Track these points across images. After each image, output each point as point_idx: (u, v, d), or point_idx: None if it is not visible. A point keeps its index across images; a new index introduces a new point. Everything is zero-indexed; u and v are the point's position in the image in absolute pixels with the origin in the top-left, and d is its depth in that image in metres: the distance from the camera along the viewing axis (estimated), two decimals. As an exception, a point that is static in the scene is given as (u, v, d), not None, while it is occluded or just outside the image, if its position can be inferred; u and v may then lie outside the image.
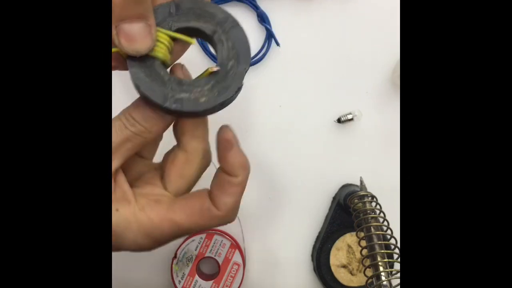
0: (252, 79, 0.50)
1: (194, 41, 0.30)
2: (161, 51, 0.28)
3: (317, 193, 0.50)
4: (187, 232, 0.30)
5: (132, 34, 0.26)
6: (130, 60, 0.28)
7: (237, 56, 0.29)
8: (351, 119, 0.49)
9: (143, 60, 0.28)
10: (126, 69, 0.29)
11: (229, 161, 0.29)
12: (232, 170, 0.29)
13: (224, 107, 0.30)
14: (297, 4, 0.49)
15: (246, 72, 0.30)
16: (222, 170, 0.30)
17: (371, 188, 0.45)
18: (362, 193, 0.43)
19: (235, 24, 0.30)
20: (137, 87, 0.28)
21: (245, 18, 0.49)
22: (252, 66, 0.49)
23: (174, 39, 0.30)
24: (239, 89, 0.30)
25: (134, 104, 0.29)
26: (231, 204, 0.29)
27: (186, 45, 0.31)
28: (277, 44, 0.49)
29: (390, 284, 0.37)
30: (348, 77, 0.50)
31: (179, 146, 0.30)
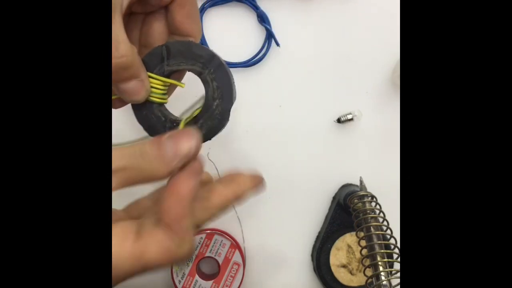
0: (252, 79, 0.50)
1: (183, 85, 0.34)
2: (156, 97, 0.32)
3: (317, 193, 0.50)
4: (154, 269, 0.28)
5: (128, 90, 0.31)
6: (134, 105, 0.33)
7: (221, 95, 0.32)
8: (351, 119, 0.49)
9: (144, 104, 0.32)
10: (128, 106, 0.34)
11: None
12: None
13: (212, 137, 0.33)
14: (297, 4, 0.49)
15: (230, 110, 0.32)
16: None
17: (371, 188, 0.45)
18: (362, 193, 0.43)
19: (220, 64, 0.32)
20: (142, 127, 0.33)
21: (245, 18, 0.49)
22: (252, 66, 0.49)
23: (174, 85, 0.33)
24: (224, 125, 0.33)
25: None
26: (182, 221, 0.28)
27: (175, 86, 0.35)
28: (277, 44, 0.49)
29: (390, 284, 0.37)
30: (348, 77, 0.50)
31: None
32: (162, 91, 0.33)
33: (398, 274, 0.37)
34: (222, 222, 0.50)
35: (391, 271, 0.38)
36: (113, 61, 0.28)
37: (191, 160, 0.28)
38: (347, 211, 0.45)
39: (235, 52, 0.49)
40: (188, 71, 0.33)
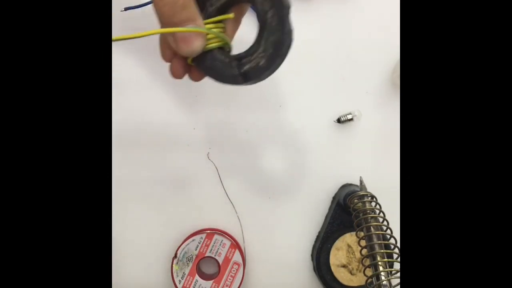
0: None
1: (232, 15, 0.32)
2: (213, 41, 0.30)
3: (317, 193, 0.50)
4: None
5: (184, 36, 0.29)
6: (196, 61, 0.31)
7: (272, 3, 0.30)
8: (351, 119, 0.49)
9: (205, 55, 0.31)
10: (196, 72, 0.33)
11: None
12: None
13: (287, 54, 0.31)
14: (297, 4, 0.49)
15: (288, 12, 0.30)
16: None
17: (371, 188, 0.45)
18: (362, 193, 0.43)
19: None
20: (212, 78, 0.31)
21: (245, 18, 0.49)
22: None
23: (223, 20, 0.31)
24: (288, 32, 0.30)
25: None
26: None
27: (238, 18, 0.33)
28: (277, 44, 0.49)
29: (390, 283, 0.37)
30: (348, 77, 0.50)
31: None
32: (215, 34, 0.31)
33: (398, 274, 0.37)
34: (222, 222, 0.50)
35: (391, 271, 0.38)
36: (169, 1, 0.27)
37: None
38: (347, 211, 0.45)
39: (235, 52, 0.49)
40: None
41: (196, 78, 0.34)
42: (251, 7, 0.31)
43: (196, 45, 0.30)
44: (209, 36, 0.30)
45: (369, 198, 0.43)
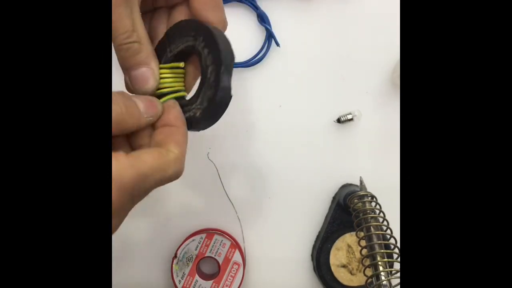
0: (252, 79, 0.50)
1: (182, 64, 0.33)
2: (168, 86, 0.33)
3: (317, 193, 0.50)
4: (151, 181, 0.29)
5: (138, 78, 0.32)
6: None
7: (213, 60, 0.30)
8: (351, 119, 0.49)
9: (158, 98, 0.32)
10: None
11: (168, 116, 0.32)
12: (173, 121, 0.32)
13: (222, 111, 0.31)
14: (297, 4, 0.49)
15: (226, 71, 0.30)
16: (163, 126, 0.32)
17: (371, 188, 0.45)
18: (362, 193, 0.43)
19: (207, 32, 0.31)
20: None
21: (245, 19, 0.49)
22: (252, 66, 0.49)
23: (177, 67, 0.33)
24: (223, 90, 0.30)
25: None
26: (181, 145, 0.31)
27: (196, 69, 0.34)
28: (277, 44, 0.49)
29: (390, 283, 0.37)
30: (348, 77, 0.50)
31: (163, 126, 0.32)
32: (173, 80, 0.33)
33: (398, 274, 0.37)
34: (222, 222, 0.50)
35: (391, 271, 0.38)
36: (122, 43, 0.30)
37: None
38: (347, 211, 0.45)
39: (235, 52, 0.49)
40: (184, 49, 0.32)
41: None
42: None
43: (147, 87, 0.32)
44: (162, 81, 0.32)
45: (369, 198, 0.43)
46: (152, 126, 0.32)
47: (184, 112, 0.32)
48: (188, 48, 0.32)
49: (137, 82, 0.32)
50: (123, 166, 0.27)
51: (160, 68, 0.33)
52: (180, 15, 0.34)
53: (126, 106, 0.29)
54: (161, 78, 0.33)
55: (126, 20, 0.30)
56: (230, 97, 0.31)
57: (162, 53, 0.33)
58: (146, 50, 0.32)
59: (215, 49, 0.30)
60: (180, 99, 0.33)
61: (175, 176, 0.30)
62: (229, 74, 0.31)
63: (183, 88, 0.34)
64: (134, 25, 0.30)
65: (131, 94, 0.32)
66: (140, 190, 0.28)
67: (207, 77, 0.31)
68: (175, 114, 0.32)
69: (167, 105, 0.33)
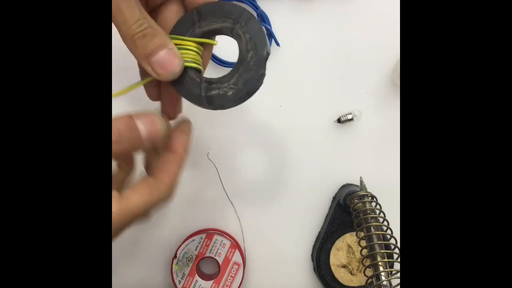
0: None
1: (215, 42, 0.34)
2: (191, 60, 0.32)
3: (317, 193, 0.50)
4: (138, 215, 0.31)
5: (162, 61, 0.31)
6: (172, 82, 0.32)
7: (255, 46, 0.32)
8: (351, 119, 0.49)
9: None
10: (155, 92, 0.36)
11: (175, 141, 0.33)
12: (177, 147, 0.33)
13: (253, 94, 0.33)
14: (297, 4, 0.49)
15: (266, 58, 0.32)
16: (166, 149, 0.33)
17: (371, 188, 0.45)
18: (362, 193, 0.43)
19: (250, 17, 0.32)
20: (180, 93, 0.33)
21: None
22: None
23: (201, 44, 0.33)
24: (261, 75, 0.32)
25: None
26: (173, 174, 0.32)
27: (211, 47, 0.35)
28: (277, 44, 0.49)
29: (390, 284, 0.37)
30: (348, 77, 0.50)
31: (166, 149, 0.33)
32: (195, 54, 0.33)
33: (398, 274, 0.37)
34: (222, 222, 0.50)
35: (391, 271, 0.38)
36: (137, 32, 0.30)
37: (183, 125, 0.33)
38: (347, 211, 0.45)
39: (235, 52, 0.49)
40: (220, 29, 0.33)
41: (154, 97, 0.36)
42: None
43: (175, 67, 0.31)
44: (187, 55, 0.32)
45: (369, 198, 0.43)
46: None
47: (212, 89, 0.32)
48: (224, 29, 0.33)
49: (163, 66, 0.31)
50: (114, 213, 0.28)
51: (186, 40, 0.32)
52: (172, 12, 0.34)
53: (123, 132, 0.29)
54: (185, 49, 0.32)
55: (135, 9, 0.30)
56: (261, 84, 0.33)
57: (187, 27, 0.33)
58: (162, 33, 0.31)
59: (261, 38, 0.32)
60: (199, 73, 0.33)
61: (163, 204, 0.32)
62: (266, 63, 0.32)
63: (201, 64, 0.34)
64: (142, 12, 0.30)
65: (134, 115, 0.31)
66: (127, 225, 0.30)
67: (246, 60, 0.32)
68: (183, 142, 0.33)
69: (180, 130, 0.33)
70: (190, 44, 0.32)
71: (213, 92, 0.32)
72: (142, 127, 0.30)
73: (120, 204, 0.29)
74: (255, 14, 0.49)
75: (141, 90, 0.36)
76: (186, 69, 0.32)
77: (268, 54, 0.32)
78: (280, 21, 0.49)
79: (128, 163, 0.36)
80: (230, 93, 0.32)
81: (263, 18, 0.48)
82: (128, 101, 0.51)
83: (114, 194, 0.29)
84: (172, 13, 0.34)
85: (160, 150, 0.34)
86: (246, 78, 0.32)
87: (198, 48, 0.33)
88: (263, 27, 0.33)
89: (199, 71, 0.33)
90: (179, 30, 0.33)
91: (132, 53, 0.31)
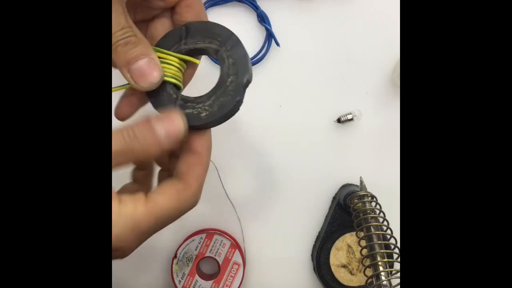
0: (252, 79, 0.50)
1: (198, 61, 0.34)
2: (171, 75, 0.32)
3: (317, 193, 0.50)
4: (167, 221, 0.31)
5: (141, 70, 0.30)
6: (148, 93, 0.32)
7: (236, 71, 0.32)
8: (351, 119, 0.49)
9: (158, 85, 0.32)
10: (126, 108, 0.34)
11: (196, 142, 0.32)
12: (199, 149, 0.32)
13: (227, 119, 0.32)
14: (297, 4, 0.49)
15: (246, 86, 0.32)
16: (189, 151, 0.32)
17: (371, 188, 0.45)
18: (362, 193, 0.43)
19: (237, 42, 0.32)
20: (153, 105, 0.32)
21: (245, 18, 0.49)
22: (252, 66, 0.49)
23: (184, 61, 0.33)
24: (238, 102, 0.32)
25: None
26: (200, 178, 0.32)
27: (195, 66, 0.35)
28: (277, 44, 0.49)
29: (390, 284, 0.37)
30: (348, 77, 0.50)
31: (189, 151, 0.32)
32: (177, 70, 0.32)
33: (398, 274, 0.37)
34: (222, 222, 0.50)
35: (391, 271, 0.38)
36: (119, 39, 0.29)
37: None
38: (347, 211, 0.45)
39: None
40: (205, 49, 0.33)
41: (125, 114, 0.34)
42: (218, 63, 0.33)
43: (153, 78, 0.31)
44: (169, 70, 0.32)
45: (369, 198, 0.43)
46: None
47: (187, 107, 0.32)
48: (210, 50, 0.33)
49: (142, 74, 0.30)
50: (141, 214, 0.29)
51: (170, 55, 0.32)
52: (161, 26, 0.34)
53: (141, 137, 0.29)
54: (167, 63, 0.32)
55: (121, 17, 0.30)
56: (238, 110, 0.32)
57: (173, 42, 0.33)
58: (145, 42, 0.31)
59: (243, 65, 0.32)
60: (177, 89, 0.33)
61: (191, 209, 0.32)
62: (245, 91, 0.32)
63: (181, 82, 0.34)
64: (128, 21, 0.30)
65: (153, 119, 0.30)
66: (156, 230, 0.31)
67: (225, 84, 0.32)
68: (204, 142, 0.32)
69: (201, 132, 0.32)
70: (172, 59, 0.32)
71: (187, 111, 0.32)
72: (161, 128, 0.29)
73: (147, 207, 0.29)
74: (255, 14, 0.49)
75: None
76: (165, 83, 0.32)
77: (248, 82, 0.32)
78: (280, 21, 0.49)
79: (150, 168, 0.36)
80: (204, 114, 0.32)
81: (263, 18, 0.48)
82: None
83: (140, 196, 0.29)
84: (162, 28, 0.34)
85: (179, 153, 0.33)
86: (222, 102, 0.32)
87: (180, 65, 0.33)
88: (248, 55, 0.32)
89: (178, 88, 0.33)
90: (164, 44, 0.33)
91: (114, 61, 0.31)
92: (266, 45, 0.49)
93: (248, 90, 0.49)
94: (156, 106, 0.33)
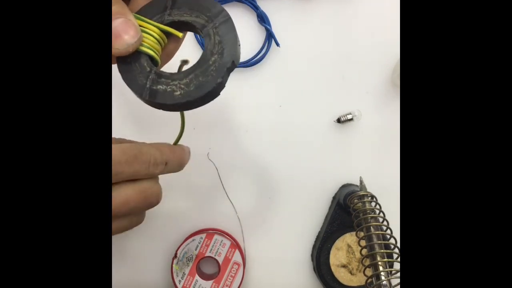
0: (252, 79, 0.50)
1: (181, 34, 0.30)
2: (148, 44, 0.29)
3: (317, 193, 0.50)
4: (148, 159, 0.32)
5: (116, 30, 0.27)
6: (120, 59, 0.29)
7: (222, 51, 0.28)
8: (351, 119, 0.49)
9: (132, 55, 0.29)
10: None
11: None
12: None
13: (204, 103, 0.29)
14: (297, 4, 0.49)
15: (230, 69, 0.29)
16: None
17: (371, 188, 0.45)
18: (362, 193, 0.43)
19: (227, 20, 0.29)
20: (123, 78, 0.29)
21: (245, 18, 0.49)
22: (252, 66, 0.49)
23: (166, 34, 0.30)
24: (218, 84, 0.28)
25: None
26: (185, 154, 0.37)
27: (178, 41, 0.32)
28: (277, 44, 0.49)
29: (390, 283, 0.37)
30: (348, 77, 0.50)
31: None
32: (155, 42, 0.29)
33: (398, 274, 0.37)
34: (222, 222, 0.50)
35: (391, 271, 0.38)
36: None
37: None
38: (347, 211, 0.45)
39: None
40: (190, 23, 0.30)
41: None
42: (201, 44, 0.31)
43: (131, 36, 0.28)
44: (147, 40, 0.29)
45: (369, 198, 0.43)
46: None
47: (159, 83, 0.29)
48: (195, 24, 0.29)
49: (116, 35, 0.28)
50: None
51: (149, 23, 0.29)
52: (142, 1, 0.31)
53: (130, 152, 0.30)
54: (146, 32, 0.29)
55: None
56: (218, 95, 0.29)
57: (156, 11, 0.30)
58: (123, 4, 0.28)
59: (231, 44, 0.29)
60: (153, 63, 0.30)
61: (173, 170, 0.35)
62: (229, 74, 0.29)
63: (158, 55, 0.31)
64: None
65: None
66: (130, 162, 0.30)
67: (208, 63, 0.28)
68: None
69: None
70: (152, 28, 0.29)
71: (159, 87, 0.28)
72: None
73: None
74: (255, 14, 0.49)
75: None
76: (140, 54, 0.29)
77: (234, 64, 0.29)
78: (280, 21, 0.49)
79: None
80: (178, 93, 0.28)
81: (263, 18, 0.49)
82: (127, 118, 0.51)
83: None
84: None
85: None
86: (200, 82, 0.28)
87: (160, 36, 0.30)
88: (238, 37, 0.29)
89: (154, 63, 0.30)
90: (146, 11, 0.30)
91: None
92: (266, 45, 0.49)
93: (248, 90, 0.48)
94: (126, 79, 0.29)
